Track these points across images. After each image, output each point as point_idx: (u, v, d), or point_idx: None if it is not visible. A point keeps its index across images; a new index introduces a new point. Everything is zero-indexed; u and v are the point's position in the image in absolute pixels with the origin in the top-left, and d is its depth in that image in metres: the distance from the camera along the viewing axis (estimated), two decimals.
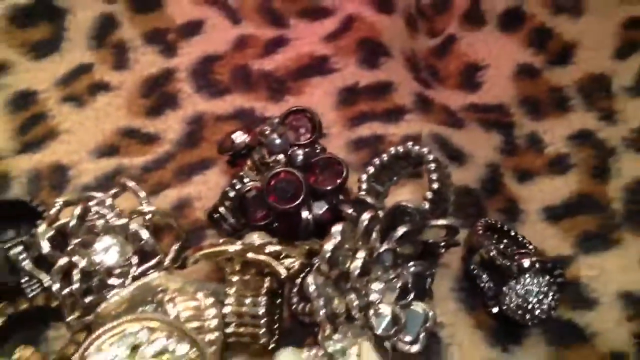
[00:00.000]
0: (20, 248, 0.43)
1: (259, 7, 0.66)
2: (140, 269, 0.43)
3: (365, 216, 0.41)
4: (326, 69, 0.60)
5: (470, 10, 0.68)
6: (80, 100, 0.59)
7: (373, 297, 0.40)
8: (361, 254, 0.40)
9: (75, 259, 0.42)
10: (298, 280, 0.44)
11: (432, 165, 0.44)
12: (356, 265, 0.40)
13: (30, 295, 0.44)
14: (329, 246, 0.39)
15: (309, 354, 0.37)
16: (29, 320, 0.44)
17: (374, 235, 0.41)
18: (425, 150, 0.45)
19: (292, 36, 0.64)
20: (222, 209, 0.47)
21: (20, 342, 0.43)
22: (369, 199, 0.43)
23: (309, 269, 0.43)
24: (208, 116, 0.57)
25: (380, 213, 0.42)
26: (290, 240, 0.45)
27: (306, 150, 0.47)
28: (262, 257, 0.41)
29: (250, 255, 0.41)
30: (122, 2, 0.64)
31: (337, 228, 0.40)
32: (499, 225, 0.48)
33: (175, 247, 0.45)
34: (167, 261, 0.44)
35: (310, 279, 0.39)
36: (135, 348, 0.37)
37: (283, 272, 0.40)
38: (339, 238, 0.39)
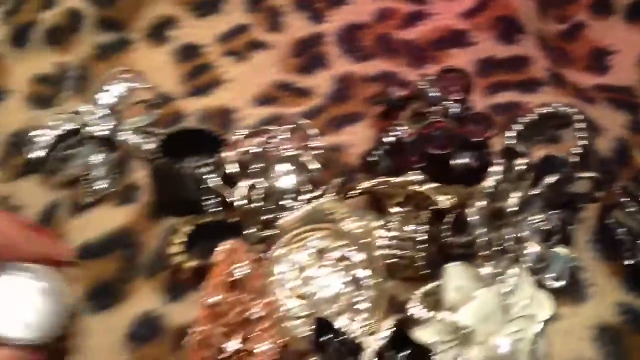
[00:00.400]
0: (207, 169, 0.49)
1: None
2: (310, 195, 0.49)
3: (520, 161, 0.45)
4: (464, 42, 0.65)
5: (598, 1, 0.71)
6: (239, 55, 0.65)
7: (523, 234, 0.45)
8: (516, 194, 0.45)
9: (256, 180, 0.48)
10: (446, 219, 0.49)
11: (581, 124, 0.48)
12: (512, 202, 0.45)
13: (210, 211, 0.50)
14: (489, 182, 0.44)
15: (476, 270, 0.42)
16: (208, 233, 0.50)
17: (526, 180, 0.46)
18: (574, 109, 0.49)
19: (431, 11, 0.69)
20: (377, 152, 0.52)
21: (202, 251, 0.50)
22: (519, 148, 0.48)
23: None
24: (355, 76, 0.63)
25: None
26: (441, 183, 0.50)
27: (459, 105, 0.51)
28: (424, 189, 0.46)
29: (413, 187, 0.46)
30: None
31: (496, 167, 0.45)
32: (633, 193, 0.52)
33: (337, 180, 0.51)
34: (332, 191, 0.50)
35: (471, 210, 0.44)
36: (319, 252, 0.42)
37: (444, 204, 0.45)
38: (498, 176, 0.44)
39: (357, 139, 0.58)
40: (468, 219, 0.44)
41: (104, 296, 0.48)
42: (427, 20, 0.68)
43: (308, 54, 0.65)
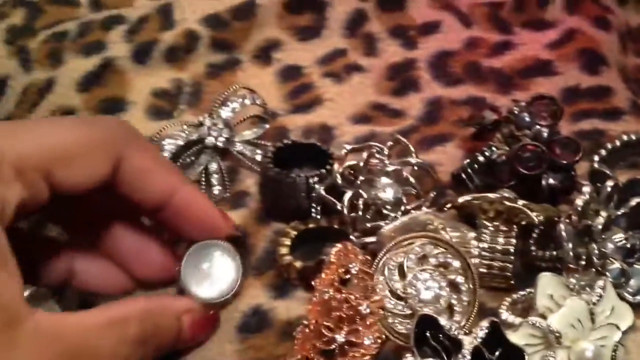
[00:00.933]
0: (317, 179, 0.54)
1: (488, 15, 0.75)
2: (408, 207, 0.54)
3: (609, 183, 0.49)
4: (550, 71, 0.69)
5: None
6: (338, 76, 0.70)
7: (608, 250, 0.49)
8: (604, 213, 0.49)
9: (361, 191, 0.53)
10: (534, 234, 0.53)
11: None
12: (599, 221, 0.48)
13: (316, 218, 0.55)
14: (580, 201, 0.48)
15: (567, 280, 0.46)
16: (312, 236, 0.55)
17: (614, 201, 0.49)
18: None
19: (518, 42, 0.73)
20: (470, 171, 0.57)
21: (305, 253, 0.54)
22: (607, 170, 0.51)
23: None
24: (445, 100, 0.67)
25: None
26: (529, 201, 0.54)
27: (549, 129, 0.55)
28: (517, 205, 0.50)
29: (507, 203, 0.50)
30: (373, 1, 0.76)
31: (586, 188, 0.48)
32: None
33: (433, 194, 0.55)
34: (427, 203, 0.54)
35: (562, 226, 0.48)
36: (421, 258, 0.47)
37: (535, 219, 0.49)
38: (587, 196, 0.48)
39: (446, 158, 0.63)
40: (558, 233, 0.47)
41: None
42: (514, 50, 0.72)
43: (401, 78, 0.70)
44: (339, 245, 0.46)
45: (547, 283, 0.45)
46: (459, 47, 0.72)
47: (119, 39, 0.71)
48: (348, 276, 0.46)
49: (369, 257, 0.46)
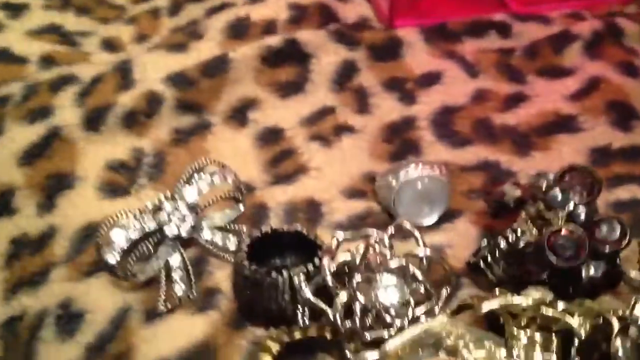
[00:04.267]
0: (303, 277, 0.43)
1: (497, 63, 0.66)
2: (417, 310, 0.43)
3: None
4: (573, 127, 0.59)
5: None
6: (327, 140, 0.60)
7: None
8: None
9: (358, 294, 0.42)
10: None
11: None
12: None
13: (302, 325, 0.44)
14: (639, 311, 0.37)
15: None
16: (298, 349, 0.44)
17: None
18: None
19: (532, 93, 0.63)
20: (490, 259, 0.46)
21: None
22: None
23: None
24: (452, 166, 0.57)
25: None
26: (566, 299, 0.43)
27: (587, 208, 0.45)
28: (559, 315, 0.39)
29: (544, 311, 0.39)
30: (363, 51, 0.66)
31: None
32: None
33: (445, 290, 0.44)
34: (440, 304, 0.43)
35: (618, 343, 0.37)
36: None
37: (581, 333, 0.38)
38: None
39: (457, 237, 0.52)
40: (614, 352, 0.37)
41: None
42: (529, 103, 0.62)
43: (400, 139, 0.60)
44: None
45: None
46: (465, 101, 0.63)
47: (69, 102, 0.61)
48: None
49: None
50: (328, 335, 0.44)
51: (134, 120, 0.60)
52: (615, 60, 0.64)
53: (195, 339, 0.45)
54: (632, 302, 0.38)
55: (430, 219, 0.53)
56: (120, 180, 0.57)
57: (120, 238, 0.46)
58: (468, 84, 0.64)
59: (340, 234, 0.45)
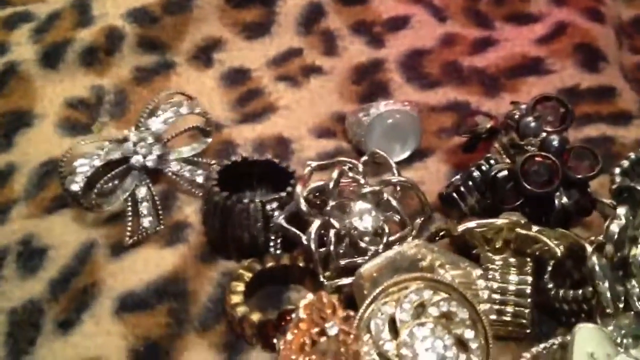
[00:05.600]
0: (275, 204, 0.42)
1: (465, 8, 0.65)
2: (391, 238, 0.42)
3: None
4: (542, 69, 0.59)
5: None
6: (294, 80, 0.59)
7: None
8: None
9: (332, 220, 0.41)
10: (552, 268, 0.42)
11: None
12: (639, 252, 0.38)
13: (275, 254, 0.43)
14: (615, 227, 0.37)
15: (609, 333, 0.35)
16: (271, 278, 0.43)
17: None
18: None
19: (501, 38, 0.63)
20: (463, 189, 0.46)
21: (263, 300, 0.43)
22: (638, 186, 0.41)
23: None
24: (422, 106, 0.57)
25: None
26: (539, 225, 0.43)
27: (560, 136, 0.45)
28: (533, 234, 0.39)
29: (520, 230, 0.39)
30: None
31: (622, 210, 0.38)
32: None
33: (419, 220, 0.44)
34: (414, 232, 0.43)
35: (594, 259, 0.37)
36: (417, 307, 0.35)
37: (558, 251, 0.38)
38: (624, 220, 0.38)
39: (428, 175, 0.52)
40: (591, 269, 0.37)
41: (151, 359, 0.40)
42: (498, 47, 0.62)
43: (369, 81, 0.59)
44: (310, 297, 0.34)
45: (587, 338, 0.34)
46: (434, 44, 0.62)
47: (25, 39, 0.58)
48: (323, 338, 0.34)
49: (351, 313, 0.34)
50: (301, 264, 0.43)
51: (94, 57, 0.57)
52: (581, 7, 0.64)
53: (164, 272, 0.44)
54: (607, 222, 0.38)
55: (402, 156, 0.52)
56: (80, 117, 0.55)
57: (83, 166, 0.44)
58: (436, 28, 0.63)
59: (313, 163, 0.44)
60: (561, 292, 0.40)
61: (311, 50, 0.61)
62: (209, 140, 0.49)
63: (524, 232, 0.39)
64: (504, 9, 0.65)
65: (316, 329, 0.33)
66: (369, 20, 0.64)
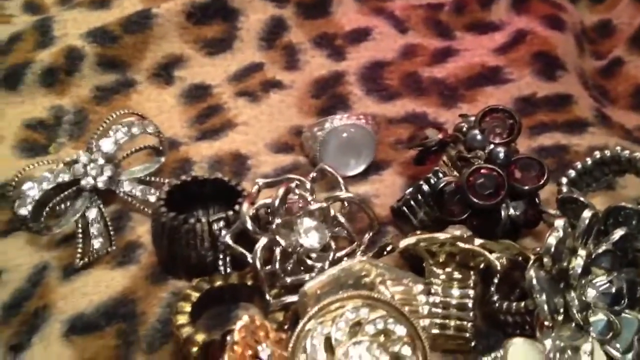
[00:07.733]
0: (222, 223, 0.43)
1: (426, 19, 0.65)
2: (338, 254, 0.42)
3: (587, 214, 0.39)
4: (500, 79, 0.60)
5: (636, 35, 0.66)
6: (254, 96, 0.59)
7: (591, 299, 0.38)
8: (583, 252, 0.38)
9: (278, 238, 0.41)
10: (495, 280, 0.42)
11: None
12: (578, 263, 0.38)
13: (223, 273, 0.43)
14: (552, 240, 0.37)
15: (541, 346, 0.35)
16: (220, 297, 0.43)
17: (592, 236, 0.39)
18: (638, 155, 0.43)
19: (461, 47, 0.63)
20: (413, 203, 0.46)
21: (212, 319, 0.43)
22: (581, 197, 0.41)
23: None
24: (380, 119, 0.57)
25: None
26: (486, 238, 0.43)
27: (505, 149, 0.45)
28: (475, 248, 0.39)
29: (461, 244, 0.39)
30: (292, 8, 0.65)
31: (559, 222, 0.38)
32: None
33: (368, 235, 0.44)
34: (361, 248, 0.43)
35: (532, 272, 0.37)
36: (354, 325, 0.36)
37: (498, 264, 0.39)
38: (561, 233, 0.38)
39: (383, 188, 0.52)
40: (528, 282, 0.37)
41: None
42: (457, 57, 0.62)
43: (329, 95, 0.59)
44: (244, 319, 0.34)
45: (517, 352, 0.34)
46: (394, 56, 0.62)
47: None
48: None
49: (283, 336, 0.35)
50: (250, 282, 0.43)
51: (54, 78, 0.58)
52: (541, 15, 0.64)
53: (113, 293, 0.44)
54: (547, 235, 0.39)
55: (357, 170, 0.52)
56: (39, 138, 0.55)
57: (32, 190, 0.44)
58: (397, 39, 0.64)
59: (261, 180, 0.44)
60: (505, 304, 0.41)
61: (272, 64, 0.62)
62: (162, 159, 0.50)
63: (465, 246, 0.39)
64: (465, 18, 0.66)
65: (250, 352, 0.34)
66: (330, 33, 0.64)
